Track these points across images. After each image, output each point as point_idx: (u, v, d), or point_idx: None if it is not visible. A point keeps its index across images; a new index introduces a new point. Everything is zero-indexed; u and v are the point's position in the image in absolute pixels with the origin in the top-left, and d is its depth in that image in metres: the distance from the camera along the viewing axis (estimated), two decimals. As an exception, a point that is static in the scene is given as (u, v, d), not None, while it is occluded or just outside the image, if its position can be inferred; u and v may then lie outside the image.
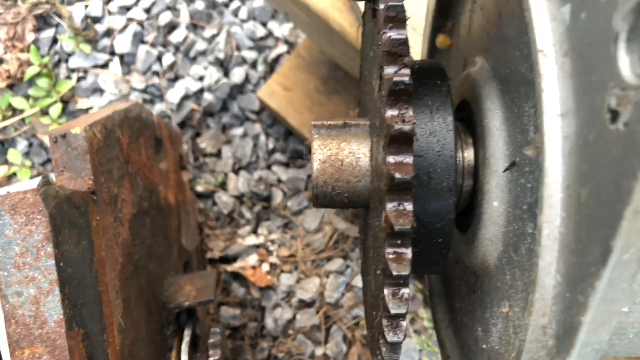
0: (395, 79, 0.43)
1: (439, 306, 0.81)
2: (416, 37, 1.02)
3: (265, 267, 1.48)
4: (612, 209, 0.31)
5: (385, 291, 0.46)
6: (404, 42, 0.45)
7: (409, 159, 0.43)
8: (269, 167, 1.54)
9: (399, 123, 0.43)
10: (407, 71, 0.44)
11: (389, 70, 0.45)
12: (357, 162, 0.59)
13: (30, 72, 1.41)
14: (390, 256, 0.44)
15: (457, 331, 0.74)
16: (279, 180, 1.53)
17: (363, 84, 0.71)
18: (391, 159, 0.43)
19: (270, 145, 1.52)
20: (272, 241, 1.51)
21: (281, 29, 1.53)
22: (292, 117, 1.41)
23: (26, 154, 1.47)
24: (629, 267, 0.32)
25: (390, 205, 0.43)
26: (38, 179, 0.62)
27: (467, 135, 0.61)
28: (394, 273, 0.44)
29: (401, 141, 0.43)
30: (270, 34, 1.53)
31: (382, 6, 0.49)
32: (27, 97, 1.44)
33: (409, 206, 0.43)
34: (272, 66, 1.52)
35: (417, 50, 1.02)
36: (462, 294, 0.70)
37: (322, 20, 1.07)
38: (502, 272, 0.54)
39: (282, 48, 1.51)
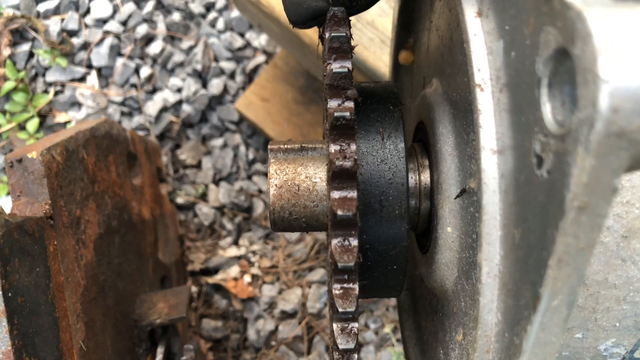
0: (336, 114, 0.43)
1: (407, 323, 0.80)
2: (387, 50, 1.01)
3: (247, 278, 1.47)
4: (540, 255, 0.31)
5: (334, 326, 0.45)
6: (347, 75, 0.44)
7: (352, 194, 0.42)
8: (249, 177, 1.53)
9: (340, 159, 0.42)
10: (349, 105, 0.43)
11: (332, 103, 0.44)
12: (313, 186, 0.59)
13: (7, 87, 1.40)
14: (337, 292, 0.44)
15: (423, 350, 0.73)
16: (260, 191, 1.52)
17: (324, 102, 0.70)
18: (335, 194, 0.43)
19: (251, 156, 1.52)
20: (254, 252, 1.50)
21: (259, 39, 1.52)
22: (270, 128, 1.40)
23: (4, 170, 1.45)
24: (559, 312, 0.32)
25: (335, 241, 0.42)
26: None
27: (424, 157, 0.60)
28: (340, 309, 0.43)
29: (344, 177, 0.42)
30: (248, 45, 1.52)
31: (326, 35, 0.48)
32: (3, 112, 1.43)
33: (353, 241, 0.43)
34: (250, 76, 1.51)
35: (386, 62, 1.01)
36: (427, 313, 0.70)
37: (293, 34, 1.06)
38: (457, 298, 0.54)
39: (260, 58, 1.50)
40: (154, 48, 1.48)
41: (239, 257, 1.49)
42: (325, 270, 1.47)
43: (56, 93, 1.47)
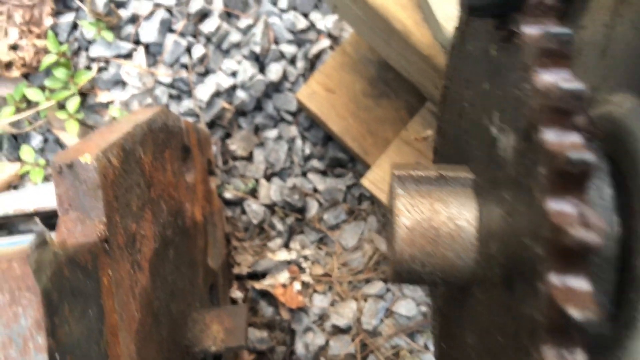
0: (571, 155, 0.27)
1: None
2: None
3: (297, 285, 1.34)
4: None
5: None
6: (580, 95, 0.29)
7: (586, 286, 0.27)
8: (304, 174, 1.39)
9: (576, 228, 0.27)
10: (585, 143, 0.28)
11: (553, 136, 0.29)
12: (458, 232, 0.44)
13: (47, 60, 1.27)
14: None
15: None
16: (315, 190, 1.38)
17: (456, 114, 0.55)
18: (558, 280, 0.28)
19: (307, 151, 1.37)
20: (305, 257, 1.36)
21: (324, 21, 1.36)
22: (333, 122, 1.25)
23: (41, 150, 1.33)
24: None
25: (551, 354, 0.28)
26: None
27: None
28: None
29: (577, 256, 0.27)
30: (312, 26, 1.37)
31: (530, 31, 0.33)
32: (42, 88, 1.30)
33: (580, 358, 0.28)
34: (312, 62, 1.36)
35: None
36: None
37: (381, 18, 0.91)
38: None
39: (324, 42, 1.35)
40: (209, 25, 1.34)
41: (289, 262, 1.36)
42: (384, 282, 1.33)
43: (99, 70, 1.34)
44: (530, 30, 0.33)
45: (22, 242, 0.99)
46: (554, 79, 0.30)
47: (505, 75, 0.37)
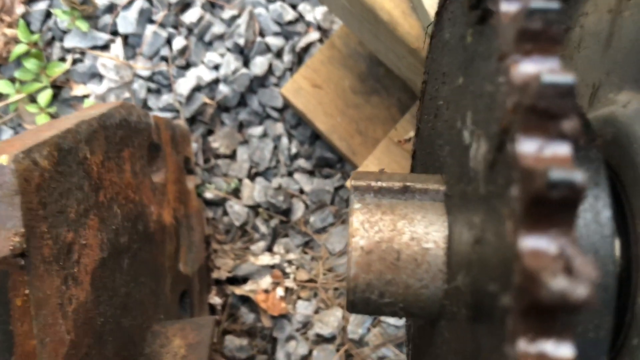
0: (553, 174, 0.20)
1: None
2: None
3: (280, 291, 1.26)
4: None
5: None
6: (569, 91, 0.21)
7: (568, 355, 0.20)
8: (290, 174, 1.31)
9: (556, 275, 0.19)
10: (569, 155, 0.21)
11: (532, 149, 0.21)
12: (423, 255, 0.36)
13: (18, 51, 1.20)
14: None
15: None
16: (301, 191, 1.30)
17: (431, 114, 0.47)
18: (527, 347, 0.20)
19: (294, 150, 1.30)
20: (290, 262, 1.29)
21: (314, 12, 1.29)
22: (320, 120, 1.18)
23: (12, 145, 1.26)
24: None
25: None
26: None
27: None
28: None
29: (558, 318, 0.20)
30: (300, 18, 1.29)
31: (508, 7, 0.25)
32: (13, 80, 1.23)
33: None
34: (300, 56, 1.28)
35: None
36: None
37: (367, 8, 0.83)
38: None
39: (313, 35, 1.27)
40: (191, 16, 1.26)
41: (272, 266, 1.28)
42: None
43: (74, 62, 1.26)
44: (508, 6, 0.26)
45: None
46: (535, 69, 0.23)
47: (480, 67, 0.29)
